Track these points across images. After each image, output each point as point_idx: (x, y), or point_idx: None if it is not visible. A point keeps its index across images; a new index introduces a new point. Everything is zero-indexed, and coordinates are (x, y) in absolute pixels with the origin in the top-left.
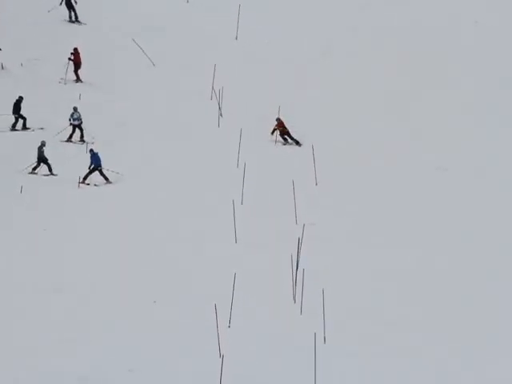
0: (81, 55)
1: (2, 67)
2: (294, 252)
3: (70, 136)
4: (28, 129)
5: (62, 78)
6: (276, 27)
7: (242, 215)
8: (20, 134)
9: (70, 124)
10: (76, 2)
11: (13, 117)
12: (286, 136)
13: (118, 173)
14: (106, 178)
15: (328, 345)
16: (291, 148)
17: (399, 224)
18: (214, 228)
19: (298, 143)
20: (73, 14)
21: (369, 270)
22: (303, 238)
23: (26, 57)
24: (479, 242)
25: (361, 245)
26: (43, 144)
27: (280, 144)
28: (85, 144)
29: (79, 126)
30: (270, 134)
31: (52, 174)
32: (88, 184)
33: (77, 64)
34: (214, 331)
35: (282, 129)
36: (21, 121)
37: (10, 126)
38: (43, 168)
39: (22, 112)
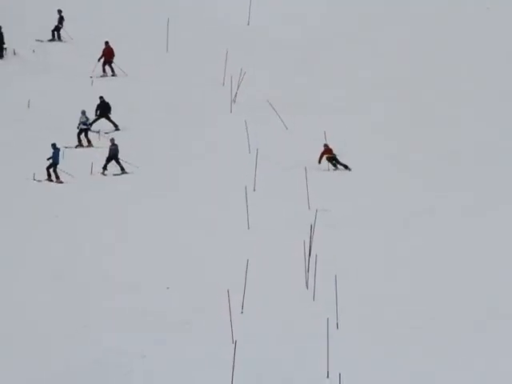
0: (113, 49)
1: (14, 53)
2: (307, 238)
3: (79, 140)
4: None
5: (91, 76)
6: (288, 12)
7: (255, 201)
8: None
9: (78, 127)
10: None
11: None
12: (334, 161)
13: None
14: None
15: (341, 331)
16: (303, 134)
17: (413, 210)
18: (227, 214)
19: (347, 168)
20: (56, 35)
21: (382, 256)
22: (316, 224)
23: (37, 42)
24: (494, 231)
25: (374, 231)
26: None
27: (295, 136)
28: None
29: (85, 131)
30: (317, 163)
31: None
32: (52, 181)
33: (105, 58)
34: (227, 317)
35: (328, 155)
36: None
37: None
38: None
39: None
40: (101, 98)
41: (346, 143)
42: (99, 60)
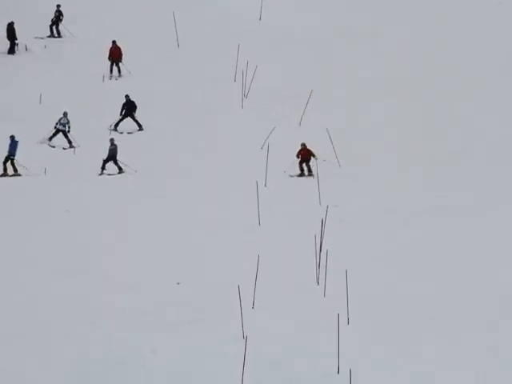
0: (121, 49)
1: (26, 49)
2: (318, 234)
3: (50, 138)
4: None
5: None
6: (300, 7)
7: (266, 197)
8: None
9: (55, 127)
10: (61, 20)
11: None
12: (303, 165)
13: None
14: None
15: (351, 326)
16: (315, 129)
17: (424, 205)
18: (238, 210)
19: (309, 174)
20: (55, 30)
21: (393, 252)
22: (327, 219)
23: (48, 38)
24: (496, 228)
25: (385, 226)
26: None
27: (307, 132)
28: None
29: (64, 132)
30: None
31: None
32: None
33: (113, 58)
34: (238, 312)
35: (302, 156)
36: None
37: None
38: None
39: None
40: (126, 96)
41: (356, 136)
42: (109, 59)
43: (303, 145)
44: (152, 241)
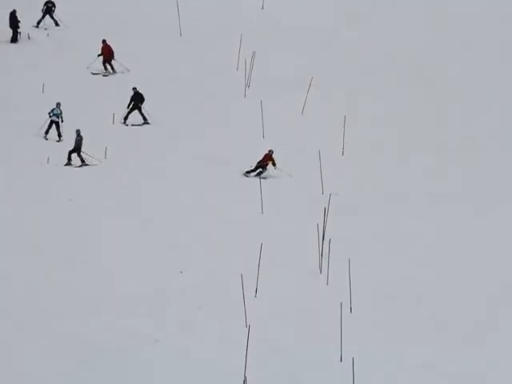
0: (111, 46)
1: (29, 37)
2: (320, 222)
3: (47, 131)
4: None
5: (87, 68)
6: None
7: (268, 186)
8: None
9: (50, 118)
10: (53, 10)
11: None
12: (259, 169)
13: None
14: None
15: (354, 315)
16: (318, 118)
17: (426, 193)
18: (241, 199)
19: (258, 175)
20: (51, 20)
21: (396, 240)
22: (329, 208)
23: (51, 26)
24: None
25: (387, 214)
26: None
27: (310, 120)
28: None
29: (57, 124)
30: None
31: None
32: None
33: (104, 57)
34: (241, 301)
35: (263, 161)
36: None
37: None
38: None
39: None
40: (134, 88)
41: (359, 127)
42: (98, 56)
43: (271, 151)
44: (154, 229)
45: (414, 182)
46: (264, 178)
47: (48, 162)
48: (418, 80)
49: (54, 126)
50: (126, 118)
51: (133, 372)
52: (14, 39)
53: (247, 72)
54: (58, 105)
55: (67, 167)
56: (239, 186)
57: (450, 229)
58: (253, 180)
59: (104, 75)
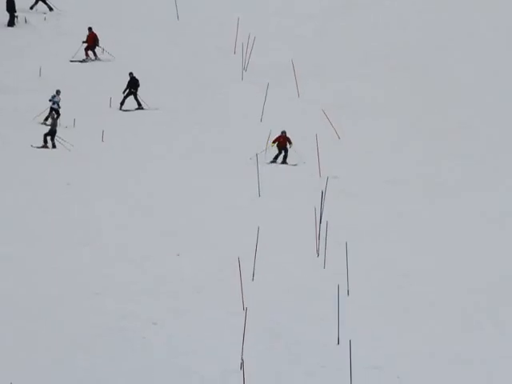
0: (97, 34)
1: (26, 21)
2: (318, 205)
3: (46, 118)
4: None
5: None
6: None
7: (266, 169)
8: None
9: (53, 105)
10: None
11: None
12: (280, 152)
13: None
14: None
15: (351, 298)
16: (315, 101)
17: (425, 176)
18: (238, 182)
19: (284, 161)
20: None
21: (393, 223)
22: (326, 191)
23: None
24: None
25: (385, 198)
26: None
27: (307, 104)
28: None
29: (57, 111)
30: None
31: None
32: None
33: (88, 43)
34: (238, 285)
35: (280, 143)
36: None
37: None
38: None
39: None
40: (130, 73)
41: (357, 109)
42: (83, 43)
43: (283, 132)
44: (151, 213)
45: (412, 166)
46: (286, 163)
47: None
48: (418, 67)
49: (53, 112)
50: (122, 104)
51: (131, 355)
52: (11, 23)
53: (244, 56)
54: (58, 92)
55: (65, 150)
56: (236, 170)
57: (449, 214)
58: (250, 163)
59: (83, 60)
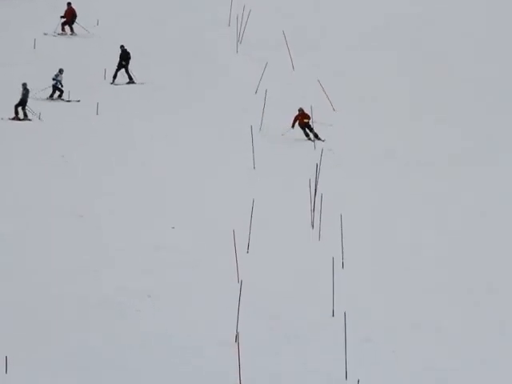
0: (75, 9)
1: None
2: (313, 178)
3: (51, 96)
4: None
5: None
6: None
7: (260, 141)
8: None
9: (56, 84)
10: None
11: None
12: (306, 129)
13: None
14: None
15: (346, 270)
16: (310, 74)
17: (419, 147)
18: (233, 154)
19: (317, 137)
20: None
21: (389, 195)
22: (321, 163)
23: None
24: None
25: (381, 170)
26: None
27: (302, 77)
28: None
29: (59, 90)
30: (290, 127)
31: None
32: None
33: (67, 18)
34: (233, 257)
35: (301, 121)
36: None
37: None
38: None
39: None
40: (121, 46)
41: (352, 82)
42: (61, 18)
43: (301, 110)
44: (147, 186)
45: (408, 138)
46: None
47: (40, 118)
48: (417, 39)
49: (56, 90)
50: (114, 77)
51: (126, 327)
52: None
53: (239, 28)
54: (61, 71)
55: (60, 123)
56: (231, 142)
57: (447, 188)
58: (244, 136)
59: (59, 35)
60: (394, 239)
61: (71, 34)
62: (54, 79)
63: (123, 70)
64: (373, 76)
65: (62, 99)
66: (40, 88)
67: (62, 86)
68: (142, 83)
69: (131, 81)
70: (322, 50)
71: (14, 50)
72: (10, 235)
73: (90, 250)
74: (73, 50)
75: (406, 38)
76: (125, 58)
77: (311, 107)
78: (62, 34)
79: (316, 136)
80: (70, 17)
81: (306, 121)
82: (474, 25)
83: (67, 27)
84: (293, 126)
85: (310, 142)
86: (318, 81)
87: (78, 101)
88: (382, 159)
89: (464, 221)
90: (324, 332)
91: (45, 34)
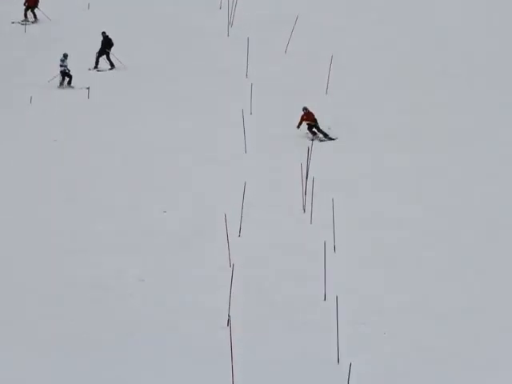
0: None
1: None
2: (304, 161)
3: (61, 83)
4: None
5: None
6: None
7: (252, 125)
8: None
9: (63, 70)
10: None
11: None
12: (314, 129)
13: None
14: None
15: (338, 254)
16: (302, 57)
17: (413, 127)
18: (224, 138)
19: (327, 136)
20: None
21: (382, 178)
22: (313, 147)
23: None
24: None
25: (373, 152)
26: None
27: (294, 60)
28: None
29: (68, 74)
30: (296, 127)
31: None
32: None
33: (28, 4)
34: (225, 240)
35: (308, 122)
36: None
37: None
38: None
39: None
40: (103, 33)
41: (344, 64)
42: (24, 5)
43: (305, 109)
44: (138, 169)
45: (400, 118)
46: (330, 137)
47: (31, 102)
48: (406, 19)
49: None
50: (96, 63)
51: (118, 311)
52: None
53: (230, 10)
54: (66, 56)
55: (50, 108)
56: (222, 126)
57: (436, 165)
58: (236, 120)
59: (22, 23)
60: (386, 223)
61: (33, 22)
62: (61, 65)
63: (105, 56)
64: (367, 55)
65: (72, 86)
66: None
67: (69, 70)
68: (125, 67)
69: (112, 67)
70: (314, 33)
71: (2, 33)
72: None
73: (81, 234)
74: (63, 32)
75: (402, 14)
76: (107, 44)
77: (302, 90)
78: (24, 20)
79: (326, 135)
80: (32, 3)
81: (310, 123)
82: None
83: (30, 13)
84: (298, 127)
85: (296, 125)
86: (310, 61)
87: (88, 88)
88: (374, 140)
89: (458, 196)
90: (316, 315)
91: (12, 23)
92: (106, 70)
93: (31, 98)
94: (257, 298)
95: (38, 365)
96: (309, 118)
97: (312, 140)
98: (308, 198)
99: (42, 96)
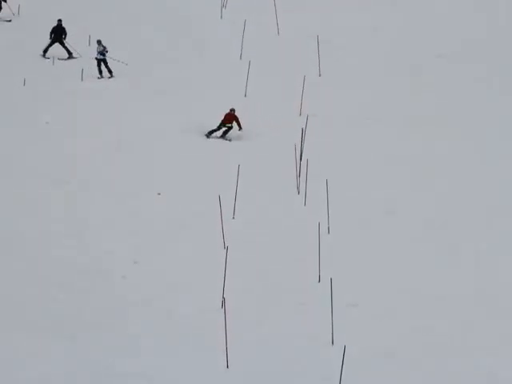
0: None
1: None
2: (298, 143)
3: (100, 72)
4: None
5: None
6: None
7: (246, 107)
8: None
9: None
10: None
11: None
12: (225, 130)
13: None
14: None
15: (332, 235)
16: (295, 38)
17: (408, 112)
18: (217, 121)
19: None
20: None
21: (373, 160)
22: (307, 128)
23: None
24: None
25: (366, 135)
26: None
27: (287, 41)
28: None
29: (104, 61)
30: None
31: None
32: None
33: None
34: (219, 223)
35: (227, 122)
36: None
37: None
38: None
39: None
40: (59, 20)
41: (338, 46)
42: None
43: (232, 110)
44: (133, 152)
45: (393, 102)
46: (229, 139)
47: (24, 85)
48: (400, 4)
49: (102, 64)
50: (45, 51)
51: (112, 294)
52: None
53: None
54: (99, 42)
55: (43, 91)
56: (216, 107)
57: (431, 149)
58: (229, 102)
59: None
60: (381, 204)
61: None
62: (100, 53)
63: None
64: (362, 38)
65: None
66: None
67: (103, 55)
68: (80, 57)
69: (70, 56)
70: (307, 15)
71: None
72: None
73: (75, 216)
74: (55, 12)
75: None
76: (60, 33)
77: (296, 73)
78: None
79: (223, 135)
80: None
81: (229, 125)
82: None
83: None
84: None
85: (294, 107)
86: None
87: (111, 77)
88: (367, 123)
89: (455, 181)
90: (310, 297)
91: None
92: (64, 59)
93: (25, 80)
94: (251, 280)
95: (29, 346)
96: (228, 119)
97: (218, 137)
98: (302, 179)
99: (35, 78)
